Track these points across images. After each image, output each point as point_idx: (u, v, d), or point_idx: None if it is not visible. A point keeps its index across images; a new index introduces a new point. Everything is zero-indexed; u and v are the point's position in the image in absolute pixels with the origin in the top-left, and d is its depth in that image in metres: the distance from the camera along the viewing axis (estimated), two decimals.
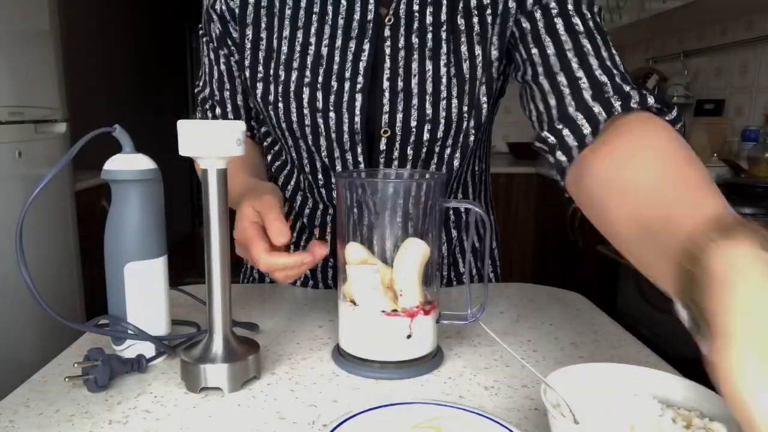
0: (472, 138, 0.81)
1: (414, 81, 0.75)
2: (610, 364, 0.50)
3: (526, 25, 0.72)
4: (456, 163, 0.83)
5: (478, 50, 0.76)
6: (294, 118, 0.78)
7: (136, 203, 0.59)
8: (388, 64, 0.75)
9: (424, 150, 0.79)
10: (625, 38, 3.22)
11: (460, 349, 0.67)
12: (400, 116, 0.76)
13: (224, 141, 0.53)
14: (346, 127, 0.77)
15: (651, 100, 0.63)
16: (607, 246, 2.02)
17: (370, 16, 0.74)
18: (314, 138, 0.79)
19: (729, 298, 0.34)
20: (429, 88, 0.75)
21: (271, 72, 0.78)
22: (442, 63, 0.75)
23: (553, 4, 0.71)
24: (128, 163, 0.59)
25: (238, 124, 0.54)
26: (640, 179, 0.52)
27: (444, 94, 0.76)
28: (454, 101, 0.76)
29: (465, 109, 0.77)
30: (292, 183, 0.91)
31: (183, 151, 0.53)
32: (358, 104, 0.76)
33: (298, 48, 0.76)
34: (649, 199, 0.50)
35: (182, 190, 5.70)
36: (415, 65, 0.75)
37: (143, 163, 0.60)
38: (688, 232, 0.40)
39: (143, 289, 0.61)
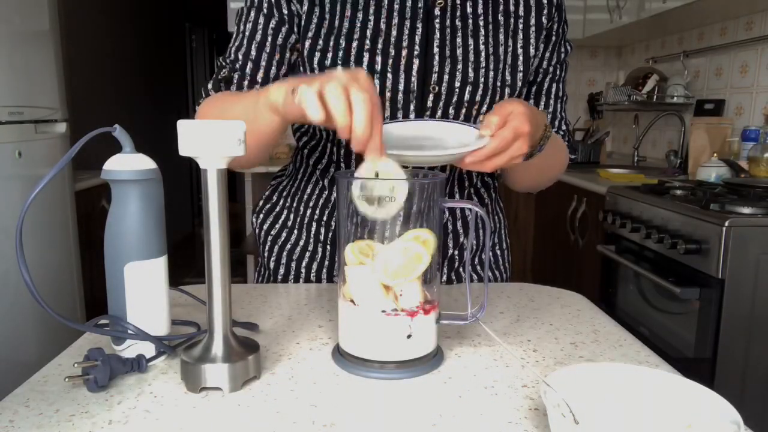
0: None
1: (459, 51, 0.88)
2: (611, 364, 0.50)
3: (538, 77, 0.96)
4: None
5: (510, 42, 0.91)
6: None
7: (136, 203, 0.59)
8: (437, 35, 0.87)
9: (464, 111, 0.89)
10: (625, 38, 3.22)
11: (460, 349, 0.67)
12: (446, 77, 0.87)
13: (224, 141, 0.53)
14: (401, 87, 0.86)
15: (564, 140, 1.00)
16: (607, 246, 2.02)
17: (420, 3, 0.86)
18: None
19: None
20: (471, 57, 0.88)
21: (331, 42, 0.86)
22: (481, 42, 0.89)
23: (558, 72, 0.97)
24: (128, 163, 0.59)
25: (238, 124, 0.54)
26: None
27: (483, 64, 0.88)
28: (491, 73, 0.89)
29: (499, 84, 0.90)
30: (325, 160, 0.94)
31: (183, 151, 0.53)
32: (415, 66, 0.86)
33: (358, 25, 0.85)
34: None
35: (182, 190, 5.70)
36: (459, 40, 0.88)
37: (143, 163, 0.60)
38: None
39: (143, 289, 0.61)
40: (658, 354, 0.68)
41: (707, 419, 0.44)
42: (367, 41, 0.85)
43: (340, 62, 0.85)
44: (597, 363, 0.50)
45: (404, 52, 0.85)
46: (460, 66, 0.87)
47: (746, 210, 1.52)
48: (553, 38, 0.95)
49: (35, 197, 0.54)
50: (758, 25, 2.30)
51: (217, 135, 0.53)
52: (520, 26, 0.91)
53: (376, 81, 0.85)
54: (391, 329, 0.60)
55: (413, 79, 0.86)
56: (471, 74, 0.88)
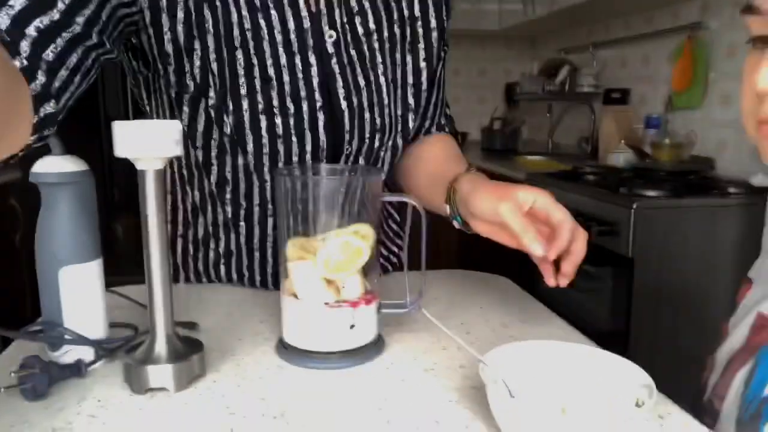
0: (400, 143, 0.86)
1: (364, 95, 0.78)
2: (538, 342, 0.55)
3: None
4: (387, 167, 0.87)
5: (408, 58, 0.82)
6: (250, 149, 0.75)
7: (68, 206, 0.58)
8: (340, 82, 0.76)
9: (372, 156, 0.83)
10: (539, 30, 3.36)
11: (400, 336, 0.70)
12: (356, 132, 0.79)
13: (161, 141, 0.53)
14: (309, 148, 0.76)
15: (447, 129, 0.96)
16: None
17: (306, 24, 0.73)
18: (272, 164, 0.77)
19: (471, 186, 0.70)
20: (375, 98, 0.79)
21: (211, 103, 0.73)
22: (380, 71, 0.79)
23: (444, 53, 0.88)
24: (57, 166, 0.57)
25: (175, 124, 0.54)
26: (431, 155, 0.89)
27: (386, 101, 0.80)
28: (392, 106, 0.81)
29: (399, 112, 0.82)
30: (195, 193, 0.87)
31: (119, 152, 0.53)
32: (321, 123, 0.75)
33: (241, 72, 0.72)
34: (434, 164, 0.87)
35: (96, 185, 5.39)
36: (360, 79, 0.77)
37: (73, 165, 0.58)
38: (451, 176, 0.75)
39: (79, 293, 0.60)
40: (578, 329, 0.74)
41: (624, 386, 0.49)
42: (259, 97, 0.73)
43: (234, 132, 0.74)
44: (526, 341, 0.54)
45: (305, 106, 0.74)
46: (367, 115, 0.78)
47: (652, 193, 1.64)
48: (446, 22, 0.86)
49: None
50: (658, 20, 2.47)
51: (154, 135, 0.53)
52: (420, 32, 0.82)
53: (280, 146, 0.75)
54: (334, 320, 0.62)
55: (321, 138, 0.76)
56: (378, 120, 0.79)
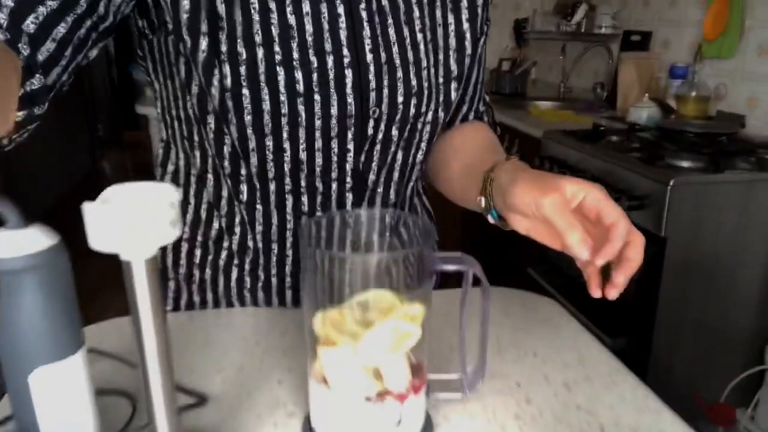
0: (441, 115, 0.76)
1: (395, 50, 0.68)
2: None
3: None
4: (425, 145, 0.77)
5: (450, 18, 0.74)
6: (267, 107, 0.64)
7: (38, 295, 0.45)
8: (367, 32, 0.66)
9: (409, 127, 0.73)
10: None
11: (447, 410, 0.59)
12: (386, 92, 0.68)
13: (151, 225, 0.40)
14: (334, 111, 0.66)
15: (486, 119, 0.87)
16: None
17: None
18: (291, 130, 0.66)
19: (511, 176, 0.60)
20: (410, 57, 0.69)
21: (224, 49, 0.62)
22: (417, 27, 0.70)
23: (488, 28, 0.80)
24: (18, 246, 0.43)
25: (168, 192, 0.40)
26: (467, 145, 0.79)
27: (424, 63, 0.71)
28: (432, 70, 0.72)
29: (441, 80, 0.74)
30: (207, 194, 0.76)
31: (96, 244, 0.39)
32: (348, 81, 0.66)
33: (256, 17, 0.62)
34: (470, 155, 0.76)
35: (74, 115, 5.05)
36: (392, 32, 0.68)
37: (39, 240, 0.44)
38: (488, 166, 0.65)
39: (58, 396, 0.47)
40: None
41: None
42: (276, 47, 0.63)
43: (245, 85, 0.63)
44: None
45: (330, 61, 0.65)
46: (400, 73, 0.68)
47: (686, 164, 1.51)
48: None
49: None
50: None
51: (141, 219, 0.39)
52: None
53: (301, 107, 0.65)
54: (376, 418, 0.50)
55: (349, 99, 0.66)
56: (414, 81, 0.69)
